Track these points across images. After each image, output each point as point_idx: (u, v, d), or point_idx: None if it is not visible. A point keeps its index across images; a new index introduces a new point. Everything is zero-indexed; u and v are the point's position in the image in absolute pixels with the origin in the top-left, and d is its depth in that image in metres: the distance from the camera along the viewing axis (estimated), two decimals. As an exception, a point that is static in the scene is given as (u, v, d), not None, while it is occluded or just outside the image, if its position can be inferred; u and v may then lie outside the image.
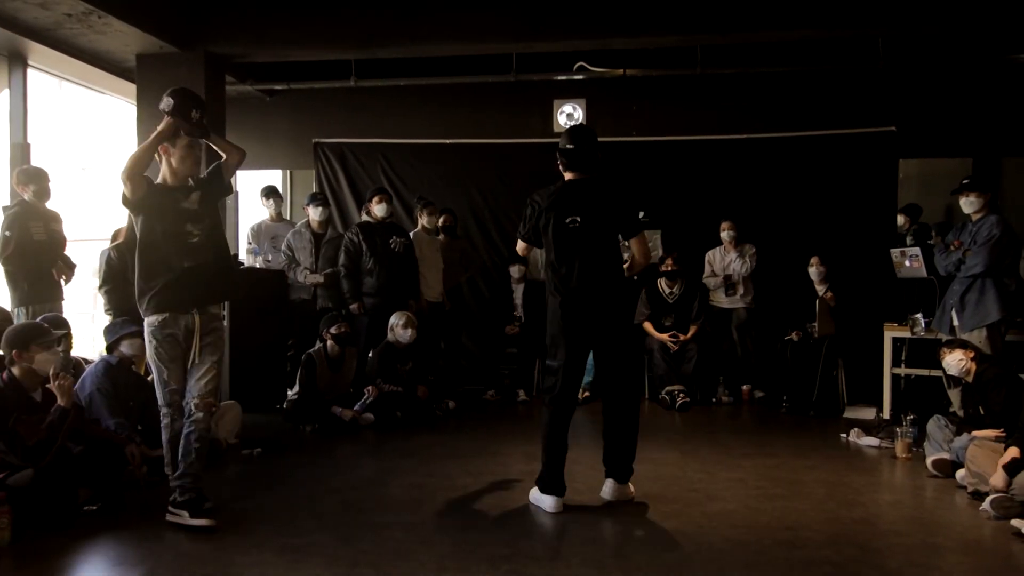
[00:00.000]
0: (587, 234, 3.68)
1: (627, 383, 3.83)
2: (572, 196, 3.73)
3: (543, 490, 3.73)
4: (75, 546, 3.30)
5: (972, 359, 4.36)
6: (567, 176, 3.79)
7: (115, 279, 5.07)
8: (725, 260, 6.83)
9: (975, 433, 4.12)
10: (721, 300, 6.81)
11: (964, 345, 4.47)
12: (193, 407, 3.49)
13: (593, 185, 3.75)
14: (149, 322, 3.49)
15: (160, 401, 3.56)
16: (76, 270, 5.26)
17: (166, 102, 3.51)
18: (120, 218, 5.74)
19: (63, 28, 5.55)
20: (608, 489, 3.81)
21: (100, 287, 5.12)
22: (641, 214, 7.07)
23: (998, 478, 3.66)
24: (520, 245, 3.97)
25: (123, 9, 5.41)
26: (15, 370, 3.57)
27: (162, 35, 5.84)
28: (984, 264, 4.92)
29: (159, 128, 3.49)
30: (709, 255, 6.90)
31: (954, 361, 4.40)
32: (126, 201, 3.48)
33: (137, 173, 3.41)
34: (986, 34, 6.48)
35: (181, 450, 3.48)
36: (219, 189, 3.74)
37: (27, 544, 3.24)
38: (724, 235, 6.80)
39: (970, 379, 4.36)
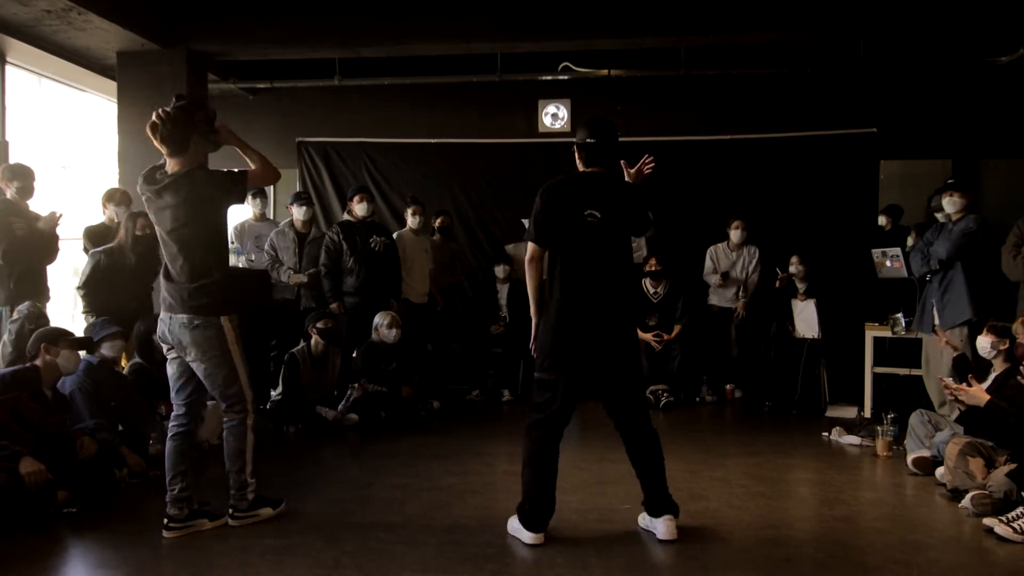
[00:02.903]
0: (606, 231, 3.30)
1: (645, 416, 3.40)
2: (592, 188, 3.35)
3: (525, 524, 3.28)
4: (55, 549, 3.27)
5: (1006, 352, 4.20)
6: (585, 169, 3.44)
7: (98, 283, 5.00)
8: (731, 259, 6.78)
9: (959, 388, 3.88)
10: (724, 301, 6.77)
11: (1003, 333, 4.26)
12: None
13: (612, 180, 3.42)
14: (233, 319, 3.36)
15: (247, 397, 3.41)
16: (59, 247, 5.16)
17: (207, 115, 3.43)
18: (94, 216, 5.71)
19: (42, 24, 5.49)
20: (662, 528, 3.32)
21: (79, 287, 5.06)
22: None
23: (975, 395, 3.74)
24: (531, 249, 3.36)
25: (104, 6, 5.36)
26: (39, 362, 3.89)
27: (143, 32, 5.79)
28: (947, 251, 4.96)
29: (227, 128, 3.46)
30: (712, 251, 6.81)
31: (987, 344, 4.26)
32: (244, 196, 3.56)
33: None
34: (965, 37, 6.55)
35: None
36: None
37: (5, 547, 3.19)
38: (734, 234, 6.72)
39: (997, 372, 4.24)
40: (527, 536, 3.27)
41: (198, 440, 4.56)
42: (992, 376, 4.25)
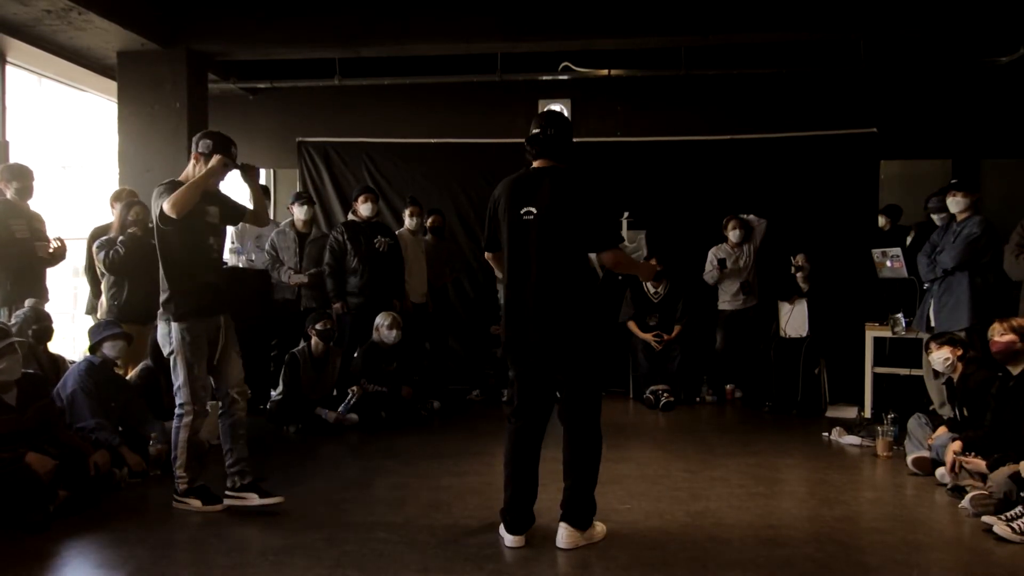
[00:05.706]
0: (544, 229, 3.16)
1: (582, 417, 3.22)
2: (532, 183, 3.23)
3: (504, 525, 3.27)
4: (54, 549, 3.26)
5: (959, 358, 4.35)
6: (534, 164, 3.32)
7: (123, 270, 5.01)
8: (732, 257, 6.76)
9: (965, 461, 3.89)
10: (734, 303, 6.74)
11: (953, 343, 4.42)
12: (236, 396, 3.75)
13: (561, 174, 3.23)
14: (179, 325, 3.63)
15: (184, 399, 3.65)
16: (63, 251, 5.13)
17: (204, 144, 3.69)
18: (102, 216, 5.71)
19: (42, 24, 5.49)
20: (559, 534, 3.22)
21: (105, 277, 5.06)
22: (626, 214, 7.17)
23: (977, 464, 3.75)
24: (487, 255, 3.47)
25: (104, 6, 5.36)
26: None
27: (144, 32, 5.79)
28: (954, 260, 4.95)
29: (210, 166, 3.63)
30: (713, 252, 6.77)
31: (940, 358, 4.40)
32: (168, 221, 3.56)
33: (187, 209, 3.53)
34: (965, 37, 6.56)
35: (229, 438, 3.72)
36: (232, 218, 3.94)
37: (5, 547, 3.19)
38: (732, 234, 6.69)
39: (956, 377, 4.37)
40: (507, 539, 3.25)
41: (199, 439, 4.58)
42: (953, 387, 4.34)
